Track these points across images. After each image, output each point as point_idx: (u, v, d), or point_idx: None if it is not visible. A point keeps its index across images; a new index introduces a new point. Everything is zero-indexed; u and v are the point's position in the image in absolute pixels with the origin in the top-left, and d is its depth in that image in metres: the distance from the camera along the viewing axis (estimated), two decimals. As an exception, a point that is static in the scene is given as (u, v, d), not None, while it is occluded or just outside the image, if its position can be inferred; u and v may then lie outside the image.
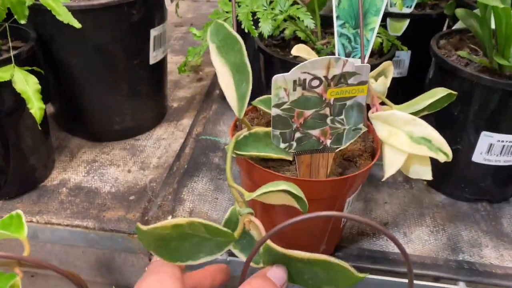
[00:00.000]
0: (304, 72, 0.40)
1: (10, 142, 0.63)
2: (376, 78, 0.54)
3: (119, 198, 0.64)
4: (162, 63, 0.78)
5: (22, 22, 0.56)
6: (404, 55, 0.79)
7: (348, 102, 0.42)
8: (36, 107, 0.55)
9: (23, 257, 0.32)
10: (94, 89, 0.71)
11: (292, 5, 0.60)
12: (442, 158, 0.46)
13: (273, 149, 0.45)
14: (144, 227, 0.33)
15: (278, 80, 0.40)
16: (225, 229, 0.36)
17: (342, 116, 0.43)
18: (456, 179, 0.65)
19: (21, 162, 0.65)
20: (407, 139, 0.46)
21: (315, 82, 0.40)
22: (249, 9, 0.59)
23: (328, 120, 0.43)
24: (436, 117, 0.63)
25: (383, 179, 0.47)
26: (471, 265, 0.57)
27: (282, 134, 0.43)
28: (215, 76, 0.98)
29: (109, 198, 0.65)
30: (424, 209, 0.65)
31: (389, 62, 0.54)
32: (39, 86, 0.57)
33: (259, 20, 0.59)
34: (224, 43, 0.43)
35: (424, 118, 0.67)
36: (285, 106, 0.41)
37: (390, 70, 0.54)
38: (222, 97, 0.90)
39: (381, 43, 0.63)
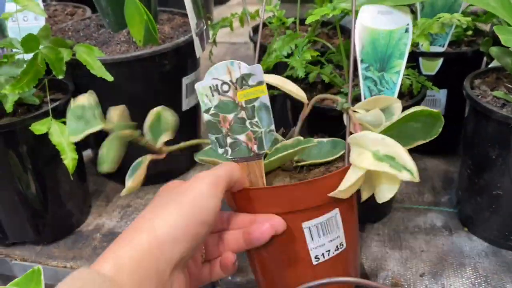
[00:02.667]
0: (215, 79, 0.44)
1: (48, 188, 0.66)
2: (368, 110, 0.50)
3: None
4: (196, 108, 0.80)
5: (60, 77, 0.60)
6: (440, 93, 0.76)
7: (256, 104, 0.44)
8: (70, 158, 0.58)
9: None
10: (129, 136, 0.73)
11: (321, 52, 0.61)
12: (405, 177, 0.41)
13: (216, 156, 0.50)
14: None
15: (199, 88, 0.45)
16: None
17: (256, 119, 0.45)
18: (499, 226, 0.61)
19: (58, 208, 0.67)
20: (371, 158, 0.43)
21: (225, 87, 0.44)
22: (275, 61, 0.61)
23: (247, 124, 0.45)
24: (474, 161, 0.61)
25: (330, 194, 0.45)
26: (518, 323, 0.52)
27: (217, 139, 0.46)
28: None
29: (140, 244, 0.65)
30: (464, 259, 0.61)
31: (396, 99, 0.51)
32: (73, 138, 0.59)
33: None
34: None
35: (463, 162, 0.64)
36: (211, 112, 0.45)
37: (397, 108, 0.51)
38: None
39: (411, 85, 0.61)
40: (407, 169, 0.41)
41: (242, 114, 0.45)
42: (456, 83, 0.70)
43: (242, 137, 0.46)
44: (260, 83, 0.43)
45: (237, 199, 0.48)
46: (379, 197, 0.47)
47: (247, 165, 0.46)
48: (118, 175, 0.79)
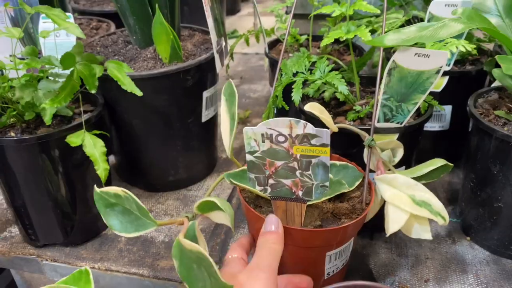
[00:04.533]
0: (270, 128, 0.45)
1: (77, 192, 0.70)
2: (383, 149, 0.60)
3: (172, 247, 0.70)
4: (213, 119, 0.84)
5: (93, 91, 0.65)
6: (445, 110, 0.80)
7: (314, 160, 0.46)
8: (102, 168, 0.62)
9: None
10: (152, 145, 0.78)
11: (331, 70, 0.64)
12: (440, 222, 0.51)
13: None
14: (98, 189, 0.50)
15: (248, 132, 0.46)
16: (150, 215, 0.50)
17: (310, 172, 0.47)
18: (499, 236, 0.65)
19: (86, 211, 0.72)
20: (410, 201, 0.52)
21: (281, 138, 0.45)
22: (287, 81, 0.65)
23: (297, 173, 0.47)
24: (477, 175, 0.65)
25: (387, 235, 0.52)
26: (516, 327, 0.56)
27: (257, 178, 0.49)
28: (262, 127, 1.03)
29: (163, 247, 0.70)
30: (467, 266, 0.65)
31: (400, 144, 0.60)
32: (105, 149, 0.64)
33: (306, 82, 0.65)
34: (229, 97, 0.56)
35: (466, 176, 0.68)
36: (257, 154, 0.47)
37: (399, 151, 0.61)
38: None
39: (418, 104, 0.66)
40: (442, 216, 0.51)
41: (294, 164, 0.46)
42: (460, 100, 0.74)
43: (287, 182, 0.48)
44: (324, 145, 0.44)
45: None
46: (415, 235, 0.55)
47: (286, 203, 0.50)
48: (141, 181, 0.84)
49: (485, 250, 0.68)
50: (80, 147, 0.63)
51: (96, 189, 0.52)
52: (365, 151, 0.58)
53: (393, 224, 0.52)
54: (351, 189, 0.57)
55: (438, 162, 0.58)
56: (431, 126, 0.83)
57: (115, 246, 0.71)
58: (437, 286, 0.62)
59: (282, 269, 0.56)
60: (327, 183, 0.48)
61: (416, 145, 0.67)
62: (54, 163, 0.66)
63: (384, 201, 0.55)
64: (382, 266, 0.66)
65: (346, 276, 0.64)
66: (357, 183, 0.57)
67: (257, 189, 0.50)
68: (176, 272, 0.54)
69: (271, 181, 0.49)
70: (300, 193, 0.49)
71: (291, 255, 0.54)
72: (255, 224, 0.55)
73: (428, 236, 0.54)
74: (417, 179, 0.56)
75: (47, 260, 0.70)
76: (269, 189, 0.50)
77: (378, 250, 0.69)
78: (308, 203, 0.51)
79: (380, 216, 0.72)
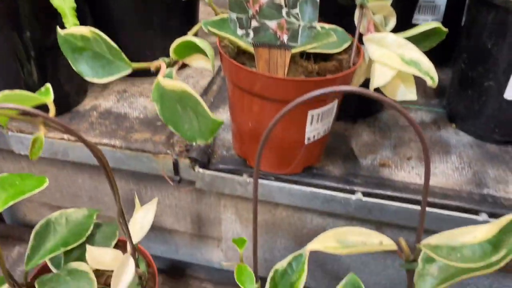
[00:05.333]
0: None
1: (48, 72, 0.66)
2: (375, 14, 0.55)
3: (147, 123, 0.66)
4: (194, 1, 0.79)
5: None
6: (440, 0, 0.76)
7: None
8: (71, 22, 0.57)
9: (49, 116, 0.34)
10: (127, 21, 0.73)
11: None
12: (429, 82, 0.48)
13: (233, 33, 0.47)
14: (61, 31, 0.46)
15: None
16: (124, 56, 0.48)
17: (297, 10, 0.42)
18: (486, 119, 0.63)
19: (57, 89, 0.67)
20: (399, 60, 0.49)
21: None
22: None
23: (284, 12, 0.43)
24: (468, 51, 0.62)
25: (371, 89, 0.49)
26: (496, 199, 0.55)
27: (239, 20, 0.44)
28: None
29: (137, 123, 0.67)
30: (451, 148, 0.64)
31: (393, 11, 0.55)
32: (74, 4, 0.58)
33: None
34: None
35: (457, 58, 0.66)
36: None
37: (392, 20, 0.56)
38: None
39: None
40: (430, 75, 0.48)
41: (280, 0, 0.42)
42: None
43: (271, 24, 0.43)
44: None
45: (253, 82, 0.48)
46: (399, 97, 0.53)
47: (269, 51, 0.46)
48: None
49: (470, 136, 0.66)
50: (51, 21, 0.58)
51: (60, 31, 0.47)
52: (356, 11, 0.54)
53: (378, 78, 0.49)
54: (339, 50, 0.54)
55: (432, 24, 0.54)
56: (424, 19, 0.79)
57: (86, 120, 0.67)
58: (419, 163, 0.60)
59: (262, 128, 0.53)
60: (315, 24, 0.44)
61: (409, 18, 0.63)
62: (24, 42, 0.61)
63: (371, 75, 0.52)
64: (364, 146, 0.64)
65: (325, 154, 0.62)
66: (345, 45, 0.54)
67: (239, 33, 0.46)
68: (164, 119, 0.51)
69: (254, 23, 0.45)
70: (285, 37, 0.45)
71: (272, 112, 0.51)
72: (235, 77, 0.51)
73: (413, 96, 0.52)
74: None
75: (12, 131, 0.66)
76: (251, 34, 0.46)
77: (361, 132, 0.66)
78: (293, 50, 0.47)
79: (363, 102, 0.70)
